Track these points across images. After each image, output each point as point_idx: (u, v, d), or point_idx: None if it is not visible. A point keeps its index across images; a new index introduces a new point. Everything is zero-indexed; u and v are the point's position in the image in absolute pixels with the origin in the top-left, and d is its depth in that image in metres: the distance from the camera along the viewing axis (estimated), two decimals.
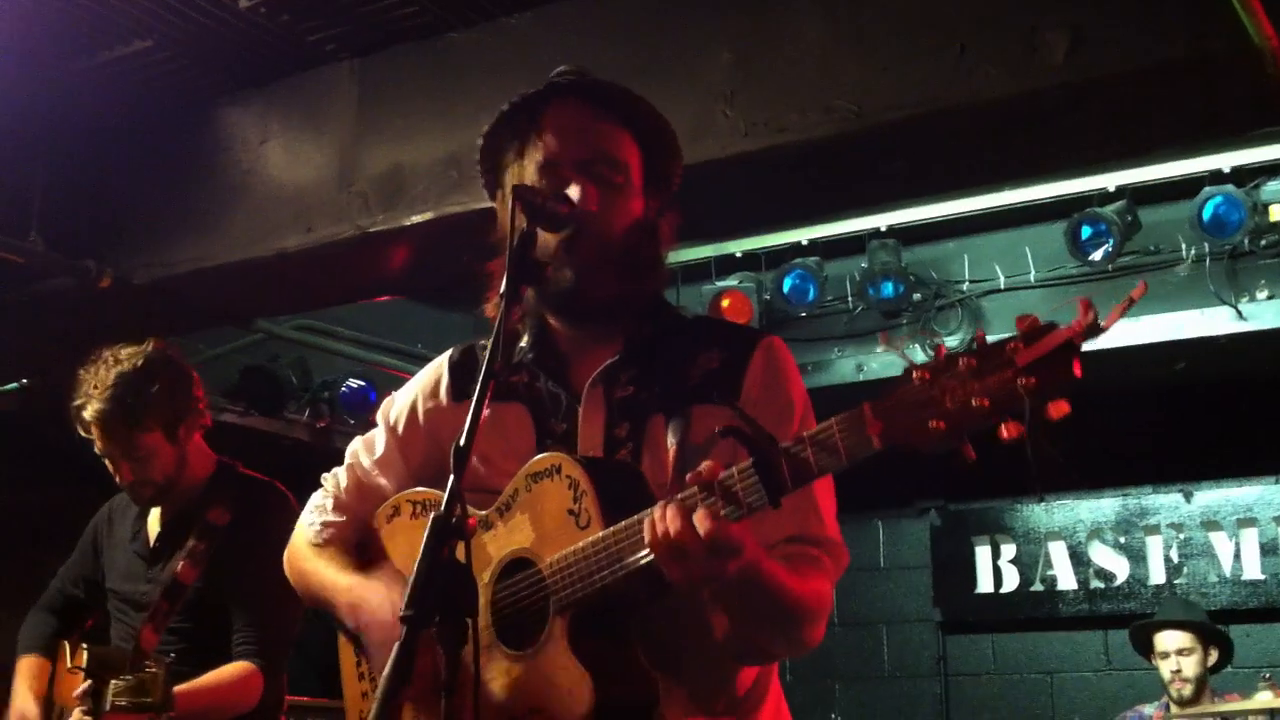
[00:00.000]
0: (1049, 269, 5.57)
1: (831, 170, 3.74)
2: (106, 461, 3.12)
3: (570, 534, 1.80)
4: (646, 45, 3.70)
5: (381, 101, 4.08)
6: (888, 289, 5.44)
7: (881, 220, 5.52)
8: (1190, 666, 4.96)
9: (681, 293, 5.76)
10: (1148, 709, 5.15)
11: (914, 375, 1.56)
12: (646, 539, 1.69)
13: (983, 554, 6.42)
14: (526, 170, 1.98)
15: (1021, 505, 6.38)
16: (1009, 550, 6.37)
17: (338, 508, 2.18)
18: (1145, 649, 5.13)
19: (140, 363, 3.07)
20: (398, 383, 2.28)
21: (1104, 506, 6.21)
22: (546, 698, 1.79)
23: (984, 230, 5.71)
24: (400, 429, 2.15)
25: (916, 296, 5.58)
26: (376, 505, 2.13)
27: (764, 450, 1.65)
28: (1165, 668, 4.98)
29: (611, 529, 1.76)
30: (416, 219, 4.08)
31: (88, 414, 3.04)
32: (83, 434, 3.07)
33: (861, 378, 5.67)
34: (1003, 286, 5.66)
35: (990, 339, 1.55)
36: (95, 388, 3.04)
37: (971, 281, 5.73)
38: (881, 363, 5.63)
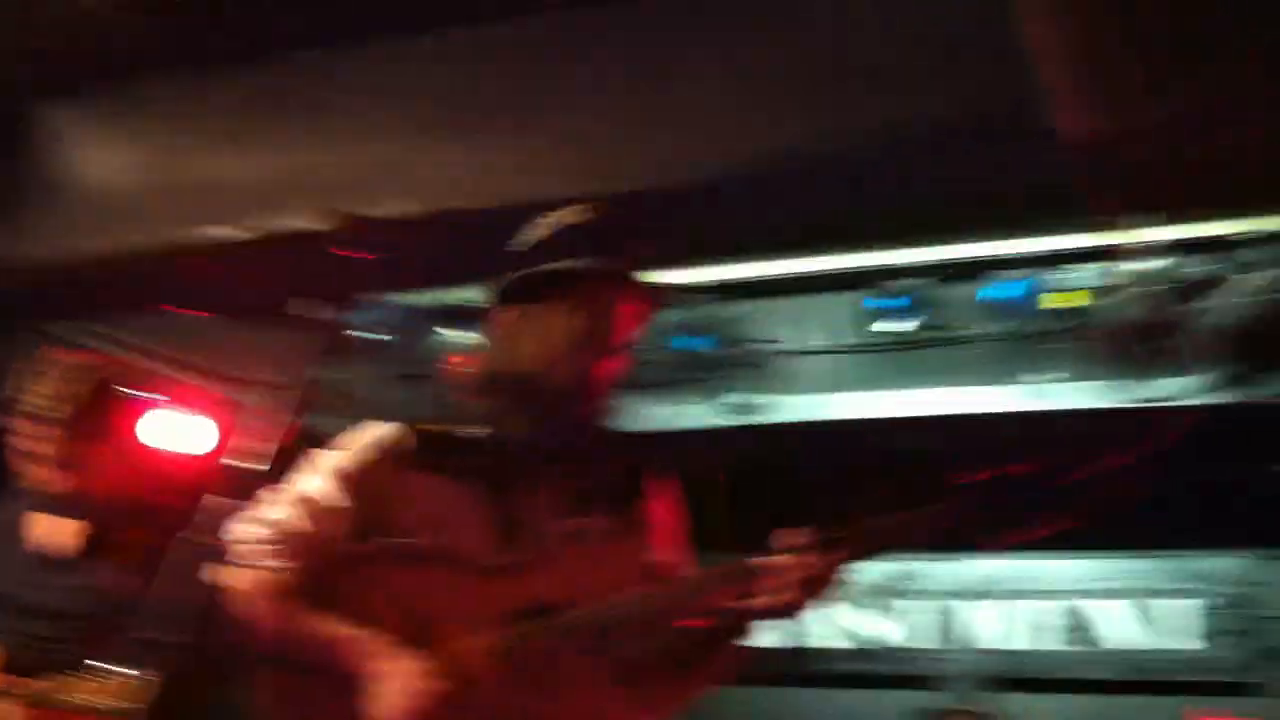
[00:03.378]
0: (836, 336, 5.71)
1: None
2: None
3: None
4: None
5: (208, 113, 3.94)
6: (698, 343, 5.50)
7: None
8: None
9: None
10: None
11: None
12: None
13: None
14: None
15: None
16: None
17: None
18: None
19: None
20: None
21: (869, 568, 6.39)
22: None
23: (782, 294, 5.84)
24: None
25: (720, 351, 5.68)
26: None
27: None
28: None
29: None
30: (231, 234, 3.94)
31: None
32: None
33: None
34: (798, 350, 5.79)
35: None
36: None
37: (764, 342, 5.84)
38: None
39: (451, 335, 5.18)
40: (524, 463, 2.27)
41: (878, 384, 5.67)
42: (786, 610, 2.10)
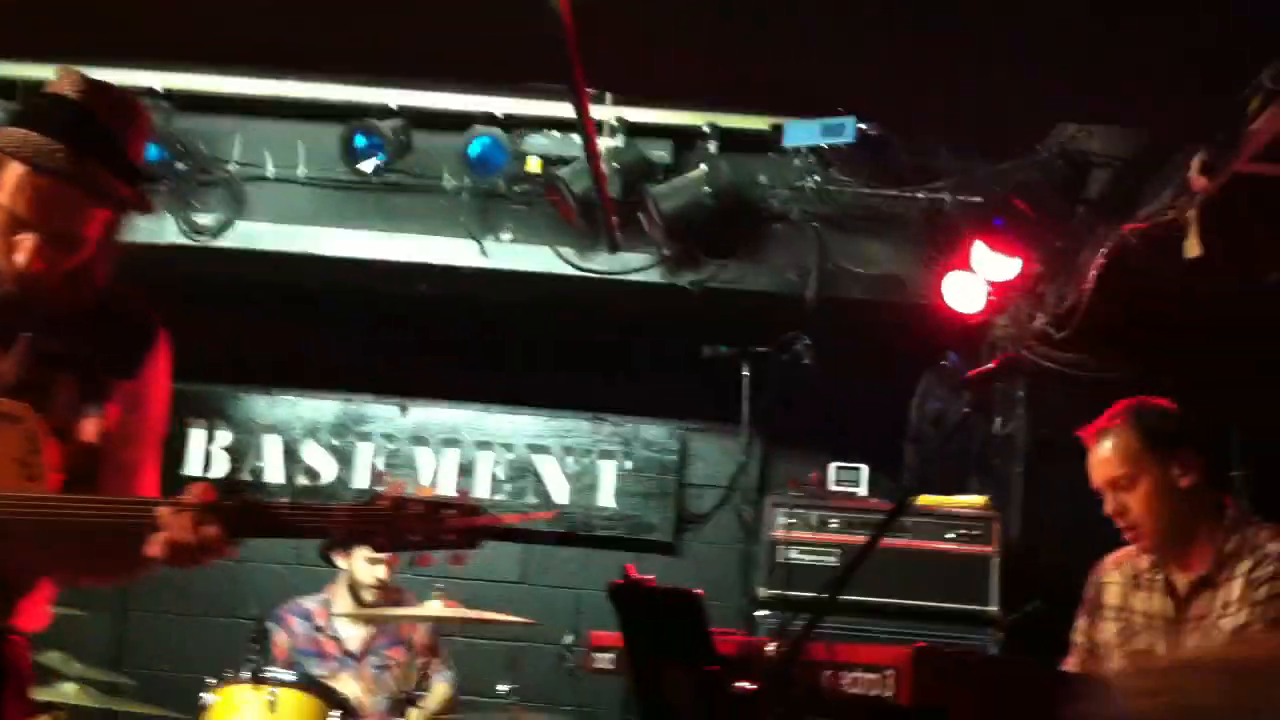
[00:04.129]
0: (319, 169, 5.57)
1: None
2: None
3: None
4: None
5: None
6: (151, 152, 5.15)
7: (157, 80, 5.28)
8: (390, 575, 5.29)
9: None
10: (308, 602, 5.40)
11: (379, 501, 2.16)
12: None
13: (197, 437, 6.34)
14: None
15: (245, 395, 6.38)
16: (224, 437, 6.34)
17: None
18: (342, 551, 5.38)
19: None
20: None
21: (325, 408, 6.37)
22: None
23: (260, 115, 5.61)
24: None
25: (181, 166, 5.37)
26: None
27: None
28: (370, 573, 5.25)
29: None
30: None
31: None
32: None
33: None
34: (271, 176, 5.59)
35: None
36: None
37: (240, 164, 5.60)
38: None
39: None
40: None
41: (351, 223, 5.59)
42: (178, 556, 2.10)
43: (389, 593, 5.31)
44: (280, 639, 5.31)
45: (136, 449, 2.38)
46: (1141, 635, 3.10)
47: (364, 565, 5.28)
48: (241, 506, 2.15)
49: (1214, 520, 3.04)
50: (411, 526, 2.18)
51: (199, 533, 2.12)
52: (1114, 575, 3.23)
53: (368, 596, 5.28)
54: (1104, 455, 3.10)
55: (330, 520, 2.18)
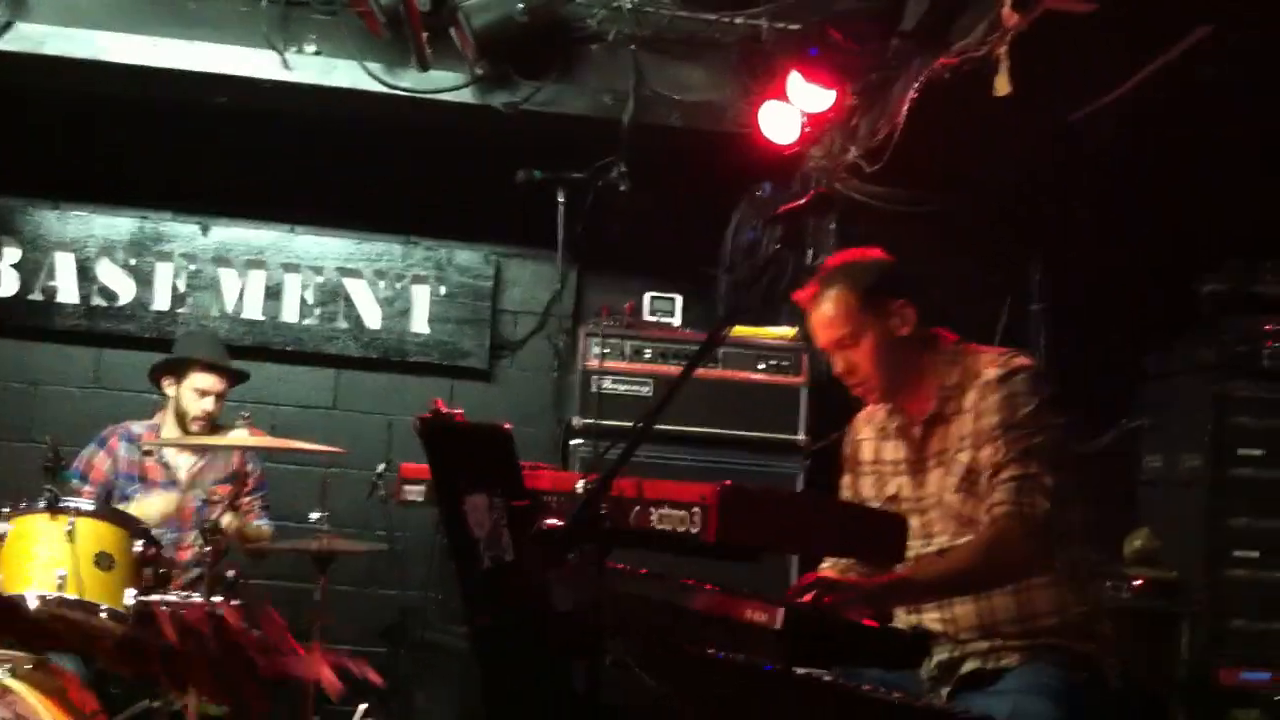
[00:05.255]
0: None
1: None
2: None
3: None
4: None
5: None
6: None
7: None
8: (217, 407, 5.19)
9: None
10: (136, 426, 5.25)
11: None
12: None
13: None
14: None
15: (34, 209, 6.04)
16: (12, 254, 6.01)
17: None
18: (168, 378, 5.21)
19: None
20: None
21: (119, 225, 6.08)
22: None
23: None
24: None
25: None
26: None
27: None
28: (197, 405, 5.11)
29: None
30: None
31: None
32: None
33: None
34: None
35: None
36: None
37: None
38: None
39: None
40: None
41: (143, 28, 5.26)
42: None
43: (215, 427, 5.18)
44: (100, 461, 5.16)
45: None
46: (891, 482, 3.18)
47: (192, 396, 5.15)
48: None
49: (933, 357, 3.10)
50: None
51: None
52: (865, 431, 3.30)
53: (194, 428, 5.15)
54: (824, 318, 3.12)
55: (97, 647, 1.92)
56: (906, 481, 3.15)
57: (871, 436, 3.28)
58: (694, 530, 2.40)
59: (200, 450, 5.23)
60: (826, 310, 3.12)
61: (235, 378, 5.33)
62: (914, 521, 3.01)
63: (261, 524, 5.22)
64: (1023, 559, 2.88)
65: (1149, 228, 4.99)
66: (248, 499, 5.16)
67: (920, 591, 2.95)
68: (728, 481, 2.41)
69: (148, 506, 4.92)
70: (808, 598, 2.76)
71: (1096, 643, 2.97)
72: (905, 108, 4.44)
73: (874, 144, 4.81)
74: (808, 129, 5.09)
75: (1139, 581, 4.77)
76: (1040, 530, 2.86)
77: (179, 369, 5.23)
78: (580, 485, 2.68)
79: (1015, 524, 2.86)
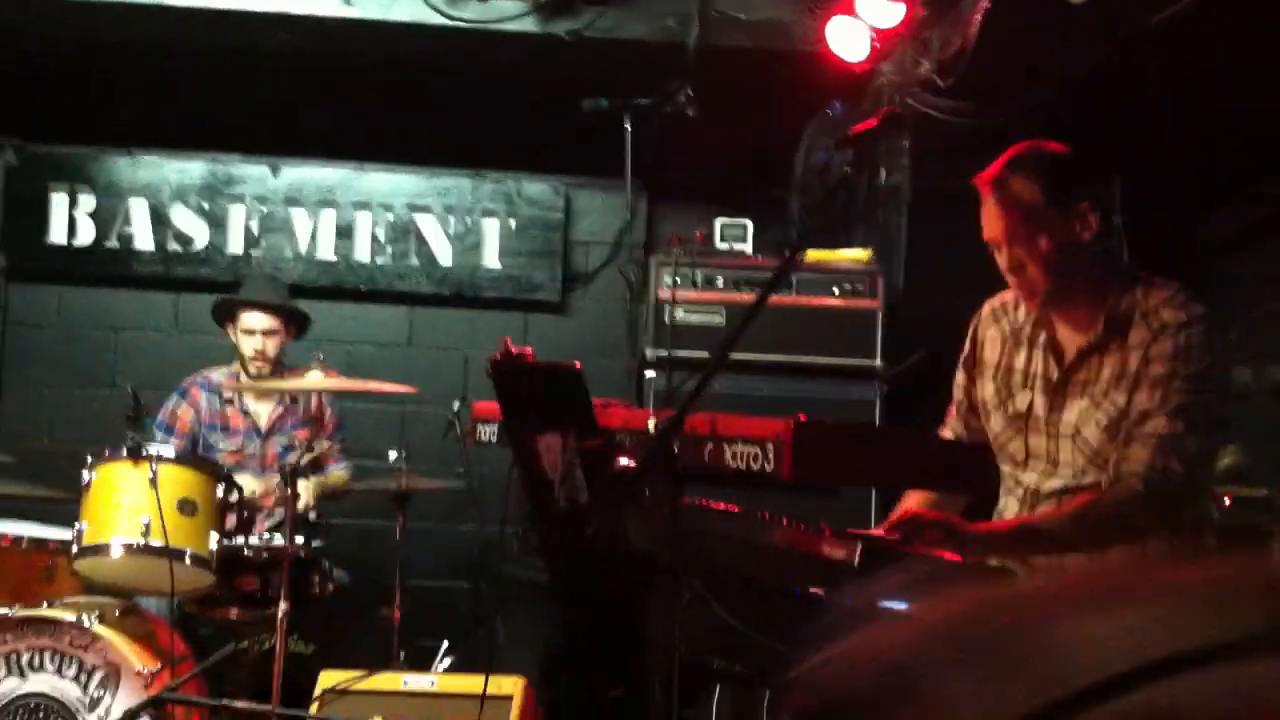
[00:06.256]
0: None
1: None
2: None
3: None
4: None
5: None
6: None
7: None
8: (272, 347, 5.14)
9: None
10: (215, 374, 5.28)
11: None
12: None
13: (59, 201, 6.06)
14: None
15: (106, 156, 6.08)
16: (87, 202, 6.06)
17: None
18: (227, 321, 5.22)
19: None
20: None
21: (191, 169, 6.10)
22: None
23: None
24: None
25: None
26: None
27: None
28: (249, 345, 5.10)
29: None
30: None
31: None
32: None
33: None
34: None
35: None
36: None
37: None
38: None
39: None
40: None
41: None
42: None
43: (275, 366, 5.18)
44: (184, 412, 5.18)
45: None
46: (1020, 395, 2.97)
47: (243, 338, 5.15)
48: None
49: (1106, 276, 2.86)
50: None
51: None
52: (992, 329, 3.05)
53: (251, 370, 5.15)
54: (1001, 207, 2.81)
55: None
56: (1042, 401, 2.91)
57: (999, 337, 3.03)
58: (769, 468, 2.37)
59: (278, 396, 5.24)
60: (1006, 198, 2.81)
61: (287, 316, 5.26)
62: (1040, 444, 2.87)
63: (340, 469, 5.25)
64: (1143, 529, 2.72)
65: (1221, 138, 4.81)
66: (326, 443, 5.17)
67: (1027, 546, 2.80)
68: (802, 416, 2.37)
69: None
70: (896, 537, 2.69)
71: None
72: (977, 18, 4.31)
73: (947, 57, 4.68)
74: (877, 45, 4.96)
75: (1228, 500, 4.67)
76: (1168, 500, 2.70)
77: (230, 311, 5.23)
78: (652, 423, 2.65)
79: (1142, 492, 2.69)
